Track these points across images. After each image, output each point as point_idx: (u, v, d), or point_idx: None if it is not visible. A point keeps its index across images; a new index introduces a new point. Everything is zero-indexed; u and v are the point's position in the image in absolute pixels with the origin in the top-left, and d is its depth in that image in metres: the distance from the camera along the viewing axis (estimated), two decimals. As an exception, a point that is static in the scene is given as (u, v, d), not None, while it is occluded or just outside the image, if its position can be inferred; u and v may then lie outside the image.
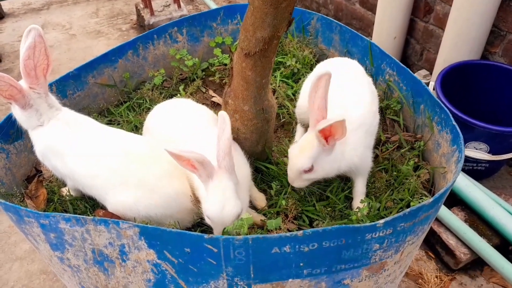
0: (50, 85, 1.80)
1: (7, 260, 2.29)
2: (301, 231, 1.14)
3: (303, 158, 1.41)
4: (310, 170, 1.43)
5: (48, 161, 1.52)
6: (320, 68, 1.80)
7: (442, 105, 1.54)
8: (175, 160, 1.28)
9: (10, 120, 1.59)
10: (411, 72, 1.72)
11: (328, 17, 2.08)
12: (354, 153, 1.50)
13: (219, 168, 1.29)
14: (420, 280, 2.05)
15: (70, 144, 1.47)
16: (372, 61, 1.93)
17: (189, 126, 1.55)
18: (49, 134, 1.48)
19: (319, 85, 1.34)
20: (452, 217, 2.07)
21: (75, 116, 1.54)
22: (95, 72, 1.96)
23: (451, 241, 2.11)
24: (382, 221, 1.18)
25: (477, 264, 2.10)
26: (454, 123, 1.47)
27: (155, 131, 1.63)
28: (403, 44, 3.27)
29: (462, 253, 2.06)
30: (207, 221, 1.35)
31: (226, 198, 1.28)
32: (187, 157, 1.24)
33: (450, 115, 1.50)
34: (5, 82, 1.34)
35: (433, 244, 2.17)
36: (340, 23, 2.00)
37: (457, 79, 2.48)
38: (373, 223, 1.18)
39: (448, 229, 2.12)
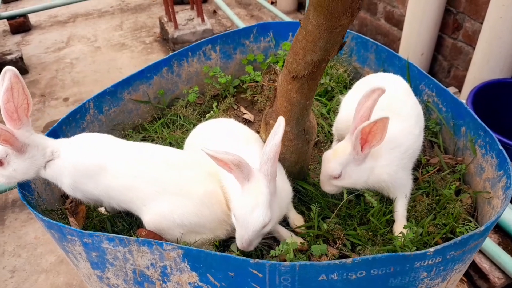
0: (88, 101, 1.82)
1: (33, 272, 2.29)
2: (350, 259, 1.11)
3: (334, 163, 1.46)
4: (338, 176, 1.48)
5: (80, 190, 1.48)
6: (364, 82, 1.79)
7: (487, 128, 1.51)
8: (213, 160, 1.27)
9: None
10: (451, 93, 1.69)
11: (363, 36, 2.07)
12: (385, 170, 1.50)
13: (259, 172, 1.27)
14: (454, 305, 2.00)
15: (101, 161, 1.44)
16: (410, 81, 1.90)
17: (230, 144, 1.54)
18: (74, 159, 1.45)
19: (371, 97, 1.38)
20: (485, 240, 2.02)
21: (91, 135, 1.53)
22: (131, 88, 1.97)
23: (484, 264, 2.06)
24: (432, 249, 1.15)
25: (512, 289, 2.04)
26: (500, 147, 1.44)
27: (197, 148, 1.62)
28: (430, 61, 3.25)
29: (496, 277, 2.01)
30: (233, 220, 1.33)
31: (258, 203, 1.25)
32: (222, 159, 1.23)
33: (496, 139, 1.47)
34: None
35: (467, 267, 2.12)
36: (376, 42, 1.99)
37: (488, 97, 2.45)
38: (423, 251, 1.15)
39: (481, 252, 2.07)
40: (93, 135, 1.54)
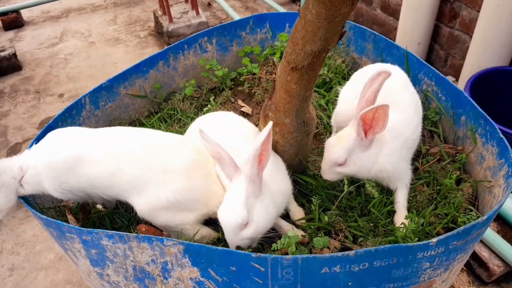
0: (84, 97, 1.79)
1: (32, 269, 2.28)
2: (352, 251, 1.11)
3: (339, 149, 1.43)
4: (343, 163, 1.44)
5: (65, 189, 1.43)
6: (360, 74, 1.77)
7: (487, 116, 1.50)
8: (206, 148, 1.30)
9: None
10: (451, 82, 1.68)
11: (361, 26, 2.05)
12: (388, 160, 1.49)
13: (241, 173, 1.28)
14: (452, 293, 2.01)
15: (75, 151, 1.39)
16: (408, 70, 1.89)
17: (230, 140, 1.52)
18: (46, 160, 1.40)
19: (376, 80, 1.36)
20: (485, 228, 2.02)
21: (57, 131, 1.49)
22: (127, 83, 1.95)
23: (484, 253, 2.06)
24: (435, 239, 1.15)
25: (511, 277, 2.04)
26: (501, 135, 1.43)
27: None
28: (427, 50, 3.24)
29: (495, 266, 2.01)
30: None
31: (232, 203, 1.27)
32: (208, 148, 1.26)
33: (497, 127, 1.46)
34: None
35: (466, 256, 2.12)
36: (374, 31, 1.97)
37: (485, 86, 2.44)
38: (425, 241, 1.14)
39: (480, 240, 2.07)
40: (59, 130, 1.49)
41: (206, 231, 1.48)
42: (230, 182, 1.32)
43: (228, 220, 1.27)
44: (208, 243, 1.47)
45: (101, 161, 1.39)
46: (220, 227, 1.33)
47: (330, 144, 1.47)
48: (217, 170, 1.52)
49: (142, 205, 1.41)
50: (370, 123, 1.36)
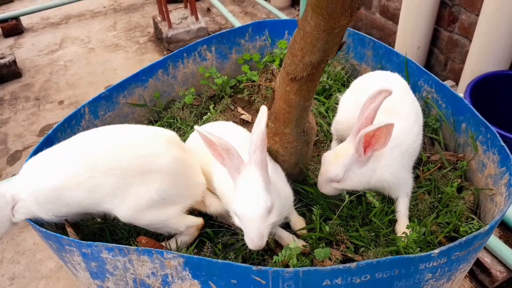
0: (83, 106, 1.79)
1: (33, 278, 2.27)
2: (354, 263, 1.10)
3: (336, 166, 1.42)
4: (340, 180, 1.44)
5: (59, 216, 1.43)
6: (360, 81, 1.76)
7: (488, 124, 1.50)
8: (206, 145, 1.25)
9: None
10: (451, 89, 1.67)
11: (360, 33, 2.04)
12: (386, 170, 1.48)
13: (249, 163, 1.25)
14: (455, 300, 1.99)
15: (54, 182, 1.37)
16: (408, 77, 1.88)
17: None
18: (31, 197, 1.39)
19: (377, 98, 1.35)
20: (487, 235, 2.01)
21: (31, 161, 1.45)
22: (126, 92, 1.94)
23: (486, 258, 2.05)
24: (437, 250, 1.14)
25: (514, 283, 2.03)
26: (502, 143, 1.43)
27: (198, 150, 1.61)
28: (427, 54, 3.23)
29: (498, 271, 2.00)
30: (236, 222, 1.28)
31: (254, 192, 1.22)
32: (213, 141, 1.22)
33: (498, 135, 1.45)
34: None
35: (469, 262, 2.11)
36: (373, 38, 1.97)
37: (486, 90, 2.43)
38: (427, 252, 1.14)
39: (483, 246, 2.06)
40: (33, 160, 1.45)
41: (191, 220, 1.48)
42: (237, 177, 1.27)
43: (254, 208, 1.21)
44: (195, 232, 1.48)
45: (79, 183, 1.36)
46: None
47: (327, 160, 1.46)
48: (212, 167, 1.51)
49: (126, 210, 1.38)
50: (370, 140, 1.36)
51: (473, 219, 1.49)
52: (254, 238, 1.22)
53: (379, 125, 1.29)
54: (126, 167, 1.35)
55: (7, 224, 1.42)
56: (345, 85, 2.08)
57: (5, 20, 4.47)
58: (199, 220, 1.49)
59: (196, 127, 1.23)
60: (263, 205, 1.21)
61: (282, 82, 1.30)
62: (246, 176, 1.24)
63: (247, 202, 1.22)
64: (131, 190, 1.36)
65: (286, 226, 1.54)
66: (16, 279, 2.24)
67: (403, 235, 1.43)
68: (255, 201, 1.21)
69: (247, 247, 1.45)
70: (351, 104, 1.70)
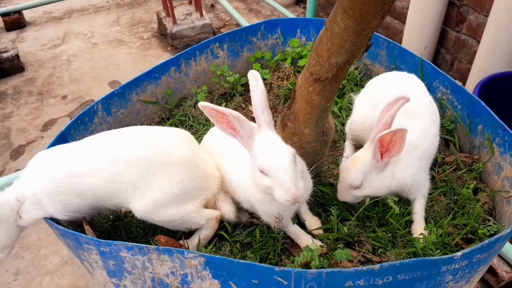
0: (96, 103, 1.78)
1: (38, 274, 2.25)
2: (378, 265, 1.10)
3: (354, 173, 1.42)
4: (359, 186, 1.44)
5: (72, 210, 1.42)
6: (376, 82, 1.75)
7: (506, 126, 1.50)
8: (214, 121, 1.26)
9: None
10: (468, 91, 1.67)
11: (374, 32, 2.03)
12: (406, 173, 1.49)
13: (260, 126, 1.28)
14: (463, 300, 2.00)
15: (67, 170, 1.37)
16: (423, 78, 1.88)
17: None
18: (43, 187, 1.37)
19: (395, 105, 1.35)
20: (493, 234, 2.02)
21: (40, 154, 1.45)
22: (139, 89, 1.93)
23: (493, 259, 2.06)
24: (459, 253, 1.14)
25: (521, 283, 2.04)
26: (520, 146, 1.43)
27: (213, 151, 1.61)
28: (433, 54, 3.23)
29: (504, 272, 2.00)
30: (265, 182, 1.24)
31: (276, 144, 1.25)
32: (222, 112, 1.22)
33: (516, 137, 1.45)
34: None
35: (477, 263, 2.11)
36: (387, 38, 1.96)
37: (494, 91, 2.43)
38: (450, 255, 1.14)
39: (490, 247, 2.06)
40: (44, 153, 1.45)
41: (210, 213, 1.49)
42: (252, 142, 1.27)
43: (281, 156, 1.21)
44: (215, 224, 1.49)
45: (99, 169, 1.36)
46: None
47: (345, 167, 1.46)
48: (225, 164, 1.55)
49: (144, 205, 1.38)
50: (387, 146, 1.36)
51: (489, 220, 1.50)
52: (291, 186, 1.18)
53: (394, 129, 1.28)
54: (151, 157, 1.37)
55: (15, 230, 1.40)
56: (358, 84, 2.08)
57: (7, 14, 4.41)
58: (217, 212, 1.50)
59: (200, 103, 1.23)
60: (289, 151, 1.23)
61: (304, 82, 1.29)
62: (262, 137, 1.27)
63: (273, 153, 1.23)
64: (154, 182, 1.37)
65: (302, 226, 1.53)
66: (21, 274, 2.22)
67: (420, 236, 1.44)
68: (280, 150, 1.24)
69: (264, 246, 1.45)
70: (366, 105, 1.70)
